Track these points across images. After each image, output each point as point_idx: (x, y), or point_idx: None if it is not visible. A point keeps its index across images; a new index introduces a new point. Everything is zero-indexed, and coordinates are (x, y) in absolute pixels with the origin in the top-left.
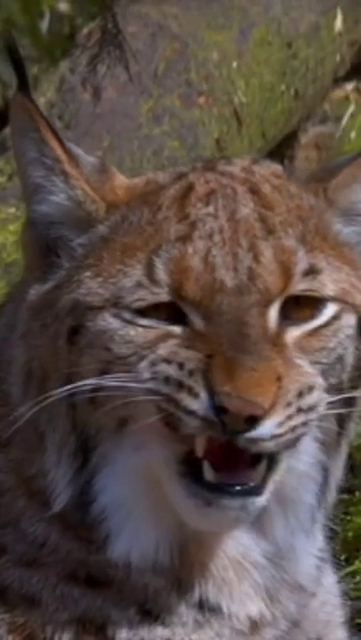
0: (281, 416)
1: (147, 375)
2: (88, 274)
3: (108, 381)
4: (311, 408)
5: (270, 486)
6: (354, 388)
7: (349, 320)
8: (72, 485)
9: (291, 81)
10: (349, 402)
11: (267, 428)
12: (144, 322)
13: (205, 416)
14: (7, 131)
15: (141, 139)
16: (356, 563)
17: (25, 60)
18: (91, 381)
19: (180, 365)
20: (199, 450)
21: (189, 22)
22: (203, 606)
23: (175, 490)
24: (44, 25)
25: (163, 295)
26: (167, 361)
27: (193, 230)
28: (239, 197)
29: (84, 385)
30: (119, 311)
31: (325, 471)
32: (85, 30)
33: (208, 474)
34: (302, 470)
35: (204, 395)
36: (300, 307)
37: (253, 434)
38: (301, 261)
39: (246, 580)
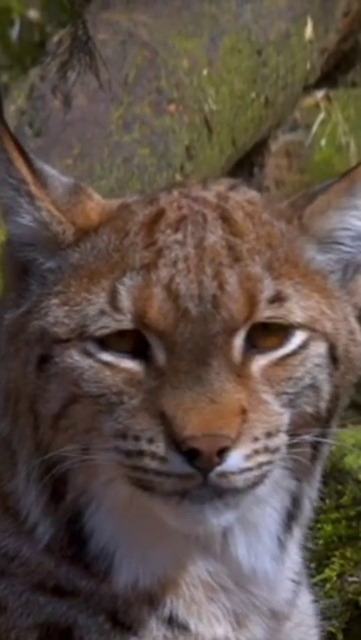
0: (248, 449)
1: (107, 446)
2: (55, 301)
3: (68, 453)
4: (277, 449)
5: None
6: (331, 416)
7: (318, 348)
8: (50, 518)
9: (261, 89)
10: (326, 429)
11: (235, 459)
12: (108, 357)
13: (181, 473)
14: None
15: (112, 146)
16: (327, 571)
17: None
18: (69, 451)
19: (136, 438)
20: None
21: (159, 30)
22: (172, 622)
23: (153, 503)
24: (14, 32)
25: (126, 322)
26: (123, 436)
27: (158, 258)
28: (209, 224)
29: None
30: (84, 344)
31: (294, 497)
32: (55, 38)
33: None
34: (266, 498)
35: (171, 456)
36: (267, 334)
37: (224, 466)
38: (267, 288)
39: (215, 603)
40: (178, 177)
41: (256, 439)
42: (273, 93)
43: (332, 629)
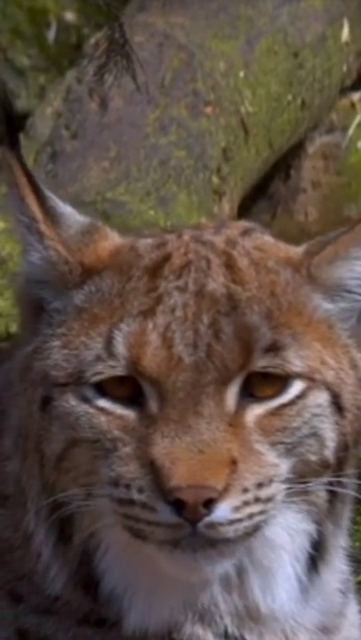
0: (237, 500)
1: (103, 492)
2: (57, 343)
3: (69, 498)
4: (270, 499)
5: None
6: (342, 463)
7: (317, 398)
8: (60, 560)
9: (297, 91)
10: (339, 474)
11: (222, 511)
12: (103, 403)
13: (170, 523)
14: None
15: (148, 148)
16: None
17: (32, 69)
18: (72, 496)
19: (127, 486)
20: None
21: (196, 32)
22: (228, 637)
23: (148, 550)
24: (51, 35)
25: (120, 369)
26: (115, 484)
27: (157, 304)
28: (212, 271)
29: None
30: (82, 389)
31: (315, 540)
32: (92, 40)
33: None
34: (280, 543)
35: (160, 506)
36: (265, 383)
37: (212, 517)
38: (263, 338)
39: (260, 623)
40: (214, 179)
41: (246, 490)
42: (309, 95)
43: None
